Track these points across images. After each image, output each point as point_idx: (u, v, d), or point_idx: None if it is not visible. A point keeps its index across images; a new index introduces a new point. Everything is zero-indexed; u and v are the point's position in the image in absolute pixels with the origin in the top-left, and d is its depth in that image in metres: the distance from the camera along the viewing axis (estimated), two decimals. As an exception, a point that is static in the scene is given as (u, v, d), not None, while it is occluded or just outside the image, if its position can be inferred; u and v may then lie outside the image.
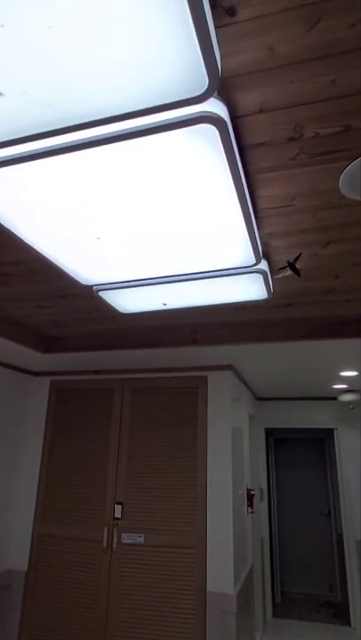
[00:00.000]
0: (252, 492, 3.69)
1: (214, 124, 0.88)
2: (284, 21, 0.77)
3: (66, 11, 0.66)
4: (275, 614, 4.90)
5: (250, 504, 3.61)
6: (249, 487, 3.72)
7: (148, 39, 0.70)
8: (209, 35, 0.69)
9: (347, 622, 4.64)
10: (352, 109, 0.95)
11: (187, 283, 1.64)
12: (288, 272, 1.70)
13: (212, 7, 0.75)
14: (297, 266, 1.70)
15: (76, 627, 2.88)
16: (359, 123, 0.99)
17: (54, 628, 2.93)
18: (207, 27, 0.68)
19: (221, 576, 2.71)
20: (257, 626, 3.92)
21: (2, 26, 0.69)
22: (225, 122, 0.88)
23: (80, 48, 0.72)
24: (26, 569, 3.12)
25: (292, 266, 1.63)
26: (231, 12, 0.76)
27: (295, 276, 1.76)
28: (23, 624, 3.00)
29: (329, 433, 5.55)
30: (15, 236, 1.31)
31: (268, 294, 1.76)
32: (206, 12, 0.67)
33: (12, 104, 0.83)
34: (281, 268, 1.72)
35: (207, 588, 2.70)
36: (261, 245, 1.55)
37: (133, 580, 2.86)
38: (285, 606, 5.23)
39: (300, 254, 1.61)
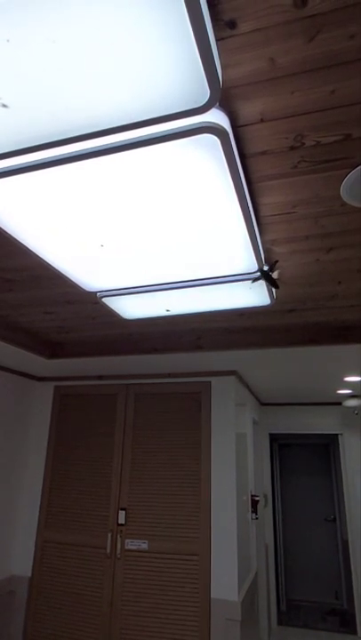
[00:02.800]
0: (257, 498, 3.67)
1: (216, 134, 0.89)
2: (284, 33, 0.78)
3: (71, 26, 0.68)
4: (280, 622, 4.85)
5: (254, 510, 3.60)
6: (253, 493, 3.71)
7: (151, 52, 0.71)
8: (210, 48, 0.70)
9: (353, 631, 4.59)
10: (352, 119, 0.96)
11: (190, 289, 1.65)
12: (264, 284, 1.43)
13: (213, 20, 0.76)
14: (274, 276, 1.44)
15: (80, 633, 2.87)
16: (359, 131, 1.00)
17: (58, 635, 2.92)
18: (208, 40, 0.69)
19: (226, 583, 2.69)
20: (261, 634, 3.89)
21: (8, 40, 0.71)
22: (226, 132, 0.89)
23: (84, 61, 0.73)
24: (29, 575, 3.12)
25: (267, 276, 1.42)
26: (232, 24, 0.77)
27: (274, 288, 1.46)
28: (27, 630, 2.99)
29: (334, 438, 5.53)
30: (19, 242, 1.33)
31: (271, 300, 1.76)
32: (207, 25, 0.68)
33: (16, 115, 0.84)
34: (255, 280, 1.46)
35: (211, 595, 2.69)
36: (264, 252, 1.56)
37: (137, 586, 2.85)
38: (290, 614, 5.18)
39: (276, 262, 1.41)
